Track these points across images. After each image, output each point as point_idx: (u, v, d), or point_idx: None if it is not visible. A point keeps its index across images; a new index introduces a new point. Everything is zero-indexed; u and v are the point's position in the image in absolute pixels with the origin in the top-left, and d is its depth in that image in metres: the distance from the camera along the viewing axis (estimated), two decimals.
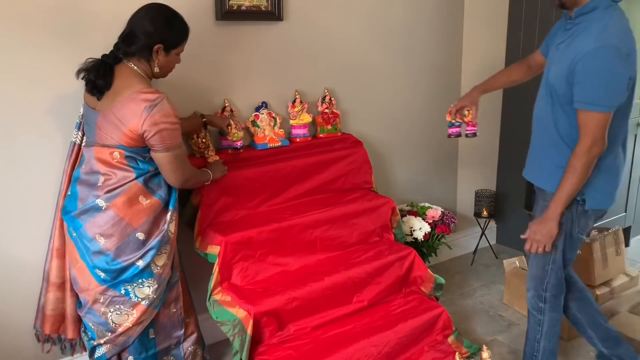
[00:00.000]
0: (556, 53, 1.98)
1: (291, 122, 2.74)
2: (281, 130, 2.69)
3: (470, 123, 2.42)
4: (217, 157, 2.39)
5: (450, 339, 2.48)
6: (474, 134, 2.43)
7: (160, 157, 1.93)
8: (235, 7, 2.47)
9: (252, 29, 2.59)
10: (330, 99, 2.85)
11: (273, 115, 2.67)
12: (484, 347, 2.05)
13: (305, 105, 2.74)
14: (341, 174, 2.73)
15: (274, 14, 2.59)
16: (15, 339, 2.25)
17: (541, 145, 2.11)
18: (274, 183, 2.52)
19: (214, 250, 2.24)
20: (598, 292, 2.83)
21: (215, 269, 2.22)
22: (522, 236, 2.11)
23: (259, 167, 2.49)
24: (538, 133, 2.13)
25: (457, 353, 2.30)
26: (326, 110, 2.83)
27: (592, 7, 1.85)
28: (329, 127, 2.82)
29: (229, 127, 2.40)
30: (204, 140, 2.42)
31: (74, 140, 2.09)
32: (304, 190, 2.62)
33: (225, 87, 2.57)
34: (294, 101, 2.72)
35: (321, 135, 2.82)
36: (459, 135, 2.43)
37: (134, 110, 1.83)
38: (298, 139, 2.73)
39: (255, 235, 2.29)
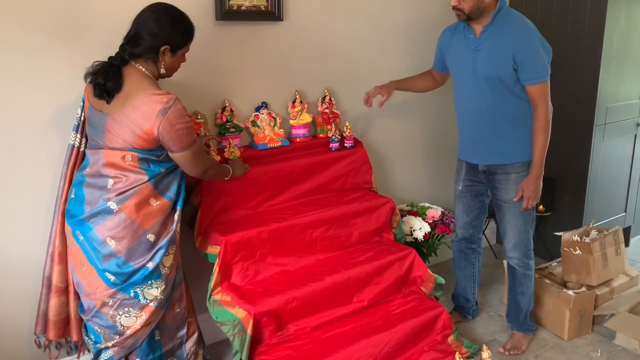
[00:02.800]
0: (476, 54, 2.39)
1: (291, 122, 2.74)
2: (281, 130, 2.69)
3: (347, 137, 2.77)
4: (218, 157, 2.38)
5: (450, 339, 2.48)
6: (352, 146, 2.78)
7: (180, 157, 1.94)
8: (235, 7, 2.47)
9: (252, 29, 2.59)
10: (330, 99, 2.85)
11: (273, 115, 2.67)
12: (484, 347, 2.06)
13: (305, 106, 2.74)
14: (341, 174, 2.73)
15: (274, 14, 2.59)
16: (13, 340, 2.25)
17: (495, 131, 2.46)
18: (274, 183, 2.52)
19: (214, 250, 2.24)
20: (598, 292, 2.83)
21: (215, 269, 2.22)
22: (515, 199, 2.47)
23: (259, 167, 2.49)
24: (487, 122, 2.47)
25: (457, 353, 2.30)
26: (326, 111, 2.84)
27: (499, 8, 2.35)
28: (329, 126, 2.82)
29: (209, 147, 2.39)
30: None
31: (72, 143, 2.07)
32: (304, 190, 2.62)
33: (225, 87, 2.57)
34: (294, 101, 2.72)
35: (321, 135, 2.82)
36: (338, 149, 2.75)
37: (148, 113, 1.83)
38: (298, 139, 2.73)
39: (255, 235, 2.29)
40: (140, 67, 1.92)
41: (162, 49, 1.91)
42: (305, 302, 2.26)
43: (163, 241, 1.98)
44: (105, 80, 1.86)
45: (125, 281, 1.94)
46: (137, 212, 1.92)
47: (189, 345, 2.22)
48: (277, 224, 2.36)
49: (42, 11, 2.08)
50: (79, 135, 2.06)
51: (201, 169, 2.05)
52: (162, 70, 1.96)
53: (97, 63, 1.91)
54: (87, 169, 1.96)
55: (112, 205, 1.90)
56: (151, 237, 1.95)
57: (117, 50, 1.94)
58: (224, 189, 2.37)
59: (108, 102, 1.89)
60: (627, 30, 3.29)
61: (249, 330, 2.08)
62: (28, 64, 2.09)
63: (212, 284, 2.21)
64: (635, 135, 3.63)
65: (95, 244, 1.92)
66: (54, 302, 2.10)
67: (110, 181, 1.91)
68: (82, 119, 2.05)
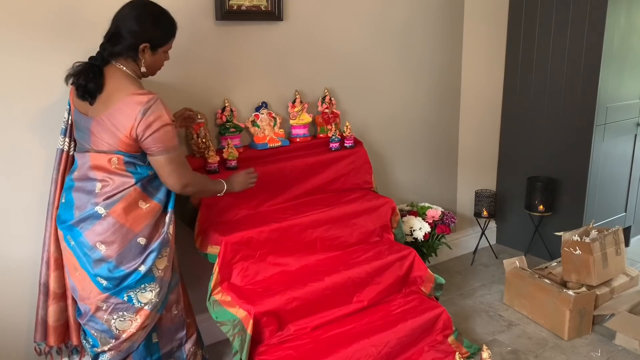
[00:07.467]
0: None
1: (291, 122, 2.74)
2: (281, 130, 2.69)
3: (347, 137, 2.77)
4: (217, 158, 2.38)
5: (450, 339, 2.48)
6: (352, 146, 2.78)
7: (156, 160, 1.87)
8: (235, 7, 2.47)
9: (252, 29, 2.59)
10: (330, 99, 2.85)
11: (273, 115, 2.67)
12: (484, 347, 2.06)
13: (305, 105, 2.74)
14: (341, 174, 2.73)
15: (274, 14, 2.59)
16: (10, 348, 2.24)
17: None
18: (274, 183, 2.52)
19: (214, 250, 2.24)
20: (598, 292, 2.83)
21: (215, 269, 2.21)
22: None
23: (259, 167, 2.48)
24: None
25: (457, 353, 2.30)
26: (326, 110, 2.84)
27: None
28: (329, 126, 2.82)
29: (193, 120, 2.30)
30: (204, 140, 2.42)
31: (60, 147, 2.03)
32: (304, 190, 2.62)
33: (225, 87, 2.57)
34: (294, 101, 2.72)
35: (321, 135, 2.82)
36: (338, 149, 2.74)
37: (128, 114, 1.78)
38: (298, 139, 2.73)
39: (255, 235, 2.29)
40: (121, 66, 1.87)
41: (142, 46, 1.85)
42: (305, 302, 2.25)
43: (154, 244, 1.94)
44: (86, 82, 1.82)
45: (118, 285, 1.91)
46: (126, 216, 1.88)
47: (188, 346, 2.21)
48: (277, 223, 2.36)
49: (35, 10, 2.05)
50: (67, 139, 2.03)
51: (177, 180, 1.91)
52: (143, 69, 1.91)
53: (77, 64, 1.86)
54: (75, 173, 1.93)
55: (100, 209, 1.86)
56: (142, 240, 1.92)
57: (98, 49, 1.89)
58: None
59: (91, 104, 1.85)
60: (627, 30, 3.29)
61: (249, 330, 2.08)
62: (16, 65, 2.05)
63: (212, 284, 2.21)
64: (635, 135, 3.63)
65: (85, 249, 1.89)
66: (52, 308, 2.08)
67: (98, 185, 1.87)
68: (70, 122, 2.01)
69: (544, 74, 3.45)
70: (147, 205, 1.93)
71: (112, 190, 1.87)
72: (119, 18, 1.86)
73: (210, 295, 2.22)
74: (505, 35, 3.61)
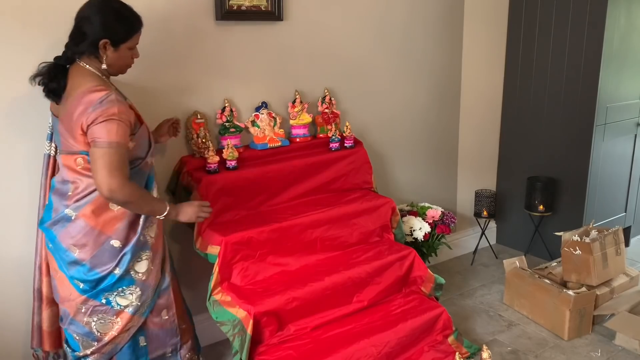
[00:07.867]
0: None
1: (291, 122, 2.74)
2: (281, 130, 2.68)
3: (347, 137, 2.77)
4: (217, 158, 2.38)
5: (450, 339, 2.48)
6: (352, 146, 2.79)
7: (92, 152, 1.75)
8: (235, 7, 2.47)
9: (252, 29, 2.58)
10: (330, 99, 2.85)
11: (273, 115, 2.67)
12: (484, 347, 2.06)
13: (305, 105, 2.74)
14: (341, 174, 2.73)
15: (274, 14, 2.59)
16: (10, 343, 2.24)
17: None
18: (274, 183, 2.52)
19: (214, 250, 2.24)
20: (598, 292, 2.83)
21: (215, 269, 2.21)
22: None
23: (259, 167, 2.49)
24: None
25: (457, 353, 2.30)
26: (326, 110, 2.83)
27: None
28: (329, 126, 2.82)
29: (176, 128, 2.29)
30: (203, 140, 2.42)
31: (47, 152, 2.02)
32: (304, 190, 2.62)
33: (225, 87, 2.57)
34: (294, 101, 2.72)
35: (321, 135, 2.82)
36: (338, 149, 2.75)
37: (81, 111, 1.73)
38: (298, 139, 2.73)
39: (255, 235, 2.29)
40: (85, 64, 1.82)
41: (102, 43, 1.79)
42: (305, 302, 2.25)
43: (128, 246, 1.90)
44: (48, 81, 1.80)
45: (95, 288, 1.88)
46: (96, 219, 1.84)
47: (183, 352, 2.15)
48: (277, 224, 2.35)
49: (34, 6, 2.03)
50: (53, 144, 2.01)
51: (105, 179, 1.73)
52: (103, 66, 1.83)
53: (42, 64, 1.84)
54: (56, 175, 1.93)
55: (70, 212, 1.84)
56: (116, 243, 1.87)
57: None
58: (223, 189, 2.37)
59: (57, 104, 1.83)
60: (627, 30, 3.29)
61: (249, 330, 2.08)
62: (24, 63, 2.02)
63: (212, 284, 2.21)
64: (635, 135, 3.63)
65: (60, 251, 1.87)
66: (46, 313, 2.06)
67: (71, 187, 1.85)
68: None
69: (544, 74, 3.45)
70: (119, 207, 1.87)
71: (81, 192, 1.84)
72: (80, 15, 1.82)
73: (210, 295, 2.21)
74: (505, 35, 3.61)
